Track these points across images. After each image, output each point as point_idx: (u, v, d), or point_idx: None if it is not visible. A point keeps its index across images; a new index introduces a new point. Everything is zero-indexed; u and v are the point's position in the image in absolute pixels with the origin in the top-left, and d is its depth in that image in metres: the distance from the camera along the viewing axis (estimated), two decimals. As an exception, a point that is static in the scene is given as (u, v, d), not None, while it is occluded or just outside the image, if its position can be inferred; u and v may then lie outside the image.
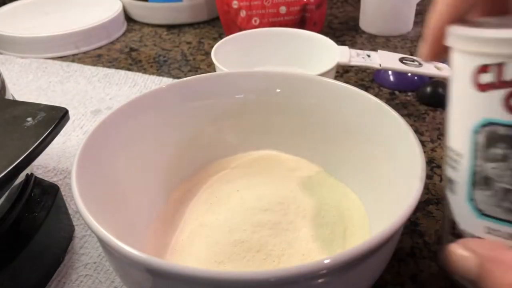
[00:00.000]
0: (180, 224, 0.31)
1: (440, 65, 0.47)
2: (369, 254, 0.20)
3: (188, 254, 0.28)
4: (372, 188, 0.30)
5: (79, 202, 0.23)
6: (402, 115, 0.47)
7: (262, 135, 0.36)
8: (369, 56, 0.47)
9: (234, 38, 0.50)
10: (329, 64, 0.44)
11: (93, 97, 0.52)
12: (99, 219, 0.22)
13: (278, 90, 0.34)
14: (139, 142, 0.31)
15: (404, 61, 0.47)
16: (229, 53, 0.48)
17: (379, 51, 0.48)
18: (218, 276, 0.19)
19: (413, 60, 0.47)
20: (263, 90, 0.35)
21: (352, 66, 0.57)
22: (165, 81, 0.55)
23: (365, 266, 0.22)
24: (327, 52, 0.47)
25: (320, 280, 0.20)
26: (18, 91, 0.53)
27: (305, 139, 0.35)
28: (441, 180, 0.39)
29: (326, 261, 0.19)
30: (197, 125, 0.34)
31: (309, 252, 0.28)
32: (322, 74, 0.41)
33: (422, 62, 0.47)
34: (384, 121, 0.30)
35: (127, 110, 0.31)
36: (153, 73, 0.57)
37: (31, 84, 0.55)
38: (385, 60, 0.46)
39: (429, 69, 0.46)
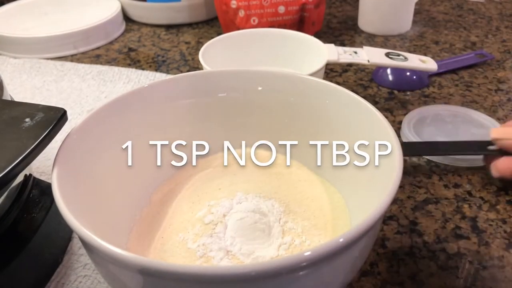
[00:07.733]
0: (162, 224, 0.31)
1: (425, 58, 0.48)
2: (349, 245, 0.20)
3: (171, 254, 0.28)
4: (352, 182, 0.31)
5: (62, 205, 0.23)
6: (401, 115, 0.47)
7: (244, 133, 0.36)
8: (356, 52, 0.47)
9: (223, 39, 0.49)
10: (319, 63, 0.44)
11: (89, 95, 0.52)
12: (82, 221, 0.22)
13: (260, 88, 0.35)
14: (120, 142, 0.31)
15: (390, 56, 0.47)
16: (218, 55, 0.47)
17: (364, 47, 0.48)
18: (198, 272, 0.19)
19: (398, 55, 0.47)
20: (245, 88, 0.35)
21: (351, 66, 0.57)
22: (159, 76, 0.55)
23: (346, 257, 0.22)
24: (316, 52, 0.47)
25: (301, 273, 0.20)
26: (12, 90, 0.53)
27: (286, 136, 0.35)
28: (439, 179, 0.39)
29: (307, 254, 0.19)
30: (179, 124, 0.34)
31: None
32: (312, 74, 0.41)
33: (407, 56, 0.47)
34: (363, 116, 0.30)
35: (108, 110, 0.30)
36: (151, 73, 0.57)
37: (25, 84, 0.55)
38: (372, 55, 0.46)
39: (415, 62, 0.46)
